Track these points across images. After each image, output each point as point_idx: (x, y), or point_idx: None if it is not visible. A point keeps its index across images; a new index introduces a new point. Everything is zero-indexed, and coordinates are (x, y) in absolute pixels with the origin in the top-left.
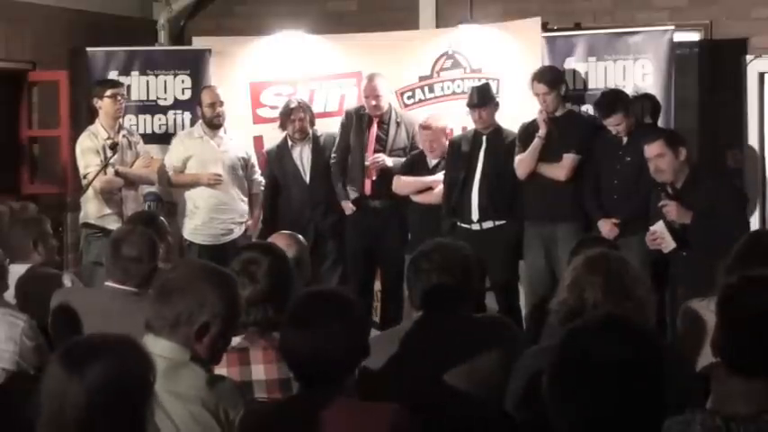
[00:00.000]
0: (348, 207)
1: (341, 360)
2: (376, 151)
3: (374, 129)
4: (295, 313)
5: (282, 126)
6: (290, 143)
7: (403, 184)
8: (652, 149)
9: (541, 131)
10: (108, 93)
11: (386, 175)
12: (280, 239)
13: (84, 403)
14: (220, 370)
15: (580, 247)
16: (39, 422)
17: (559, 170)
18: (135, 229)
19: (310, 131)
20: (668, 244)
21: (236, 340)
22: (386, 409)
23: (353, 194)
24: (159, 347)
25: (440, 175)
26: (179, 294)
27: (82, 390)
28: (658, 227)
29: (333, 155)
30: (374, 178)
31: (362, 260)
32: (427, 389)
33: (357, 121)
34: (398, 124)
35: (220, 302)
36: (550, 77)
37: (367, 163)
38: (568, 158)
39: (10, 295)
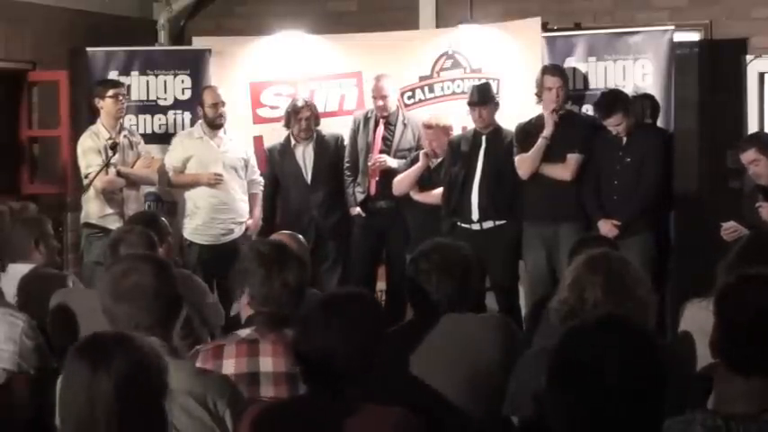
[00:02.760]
0: (355, 212)
1: (349, 364)
2: (381, 152)
3: (380, 129)
4: (310, 314)
5: (287, 124)
6: (293, 142)
7: (397, 182)
8: (746, 157)
9: (547, 132)
10: (110, 93)
11: (390, 175)
12: (280, 239)
13: (114, 396)
14: (228, 360)
15: (580, 247)
16: (61, 423)
17: (564, 170)
18: (133, 229)
19: (314, 132)
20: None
21: (245, 332)
22: (391, 413)
23: (361, 196)
24: None
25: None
26: (152, 296)
27: (111, 384)
28: (732, 223)
29: (346, 162)
30: (377, 178)
31: (367, 260)
32: (426, 390)
33: (364, 124)
34: (405, 126)
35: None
36: (562, 70)
37: (369, 163)
38: (573, 158)
39: (11, 295)
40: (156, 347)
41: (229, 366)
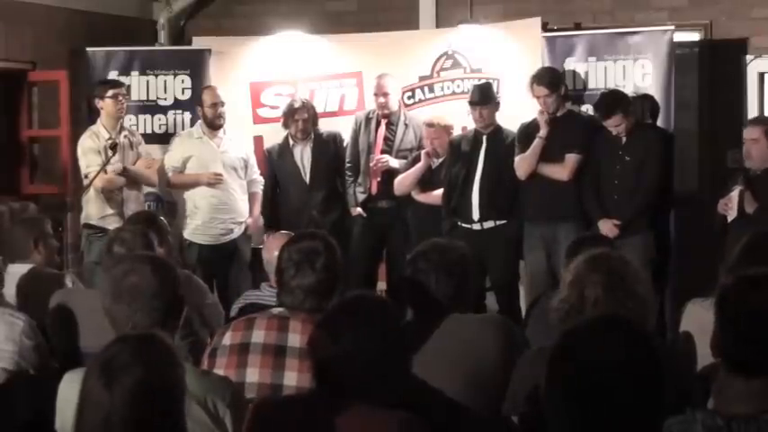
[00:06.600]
0: (356, 212)
1: (364, 373)
2: (383, 152)
3: (382, 129)
4: (327, 318)
5: (285, 125)
6: (291, 142)
7: (399, 182)
8: (750, 132)
9: (543, 132)
10: (109, 93)
11: (391, 175)
12: (279, 239)
13: (128, 413)
14: (258, 331)
15: (577, 246)
16: None
17: (562, 170)
18: (126, 228)
19: (312, 132)
20: (734, 212)
21: (278, 309)
22: (395, 418)
23: (362, 196)
24: None
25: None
26: (151, 297)
27: (125, 400)
28: (734, 193)
29: (347, 162)
30: (378, 178)
31: (368, 259)
32: (425, 390)
33: (365, 124)
34: (406, 126)
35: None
36: (550, 79)
37: (371, 163)
38: (571, 158)
39: (10, 295)
40: (172, 350)
41: (259, 336)
